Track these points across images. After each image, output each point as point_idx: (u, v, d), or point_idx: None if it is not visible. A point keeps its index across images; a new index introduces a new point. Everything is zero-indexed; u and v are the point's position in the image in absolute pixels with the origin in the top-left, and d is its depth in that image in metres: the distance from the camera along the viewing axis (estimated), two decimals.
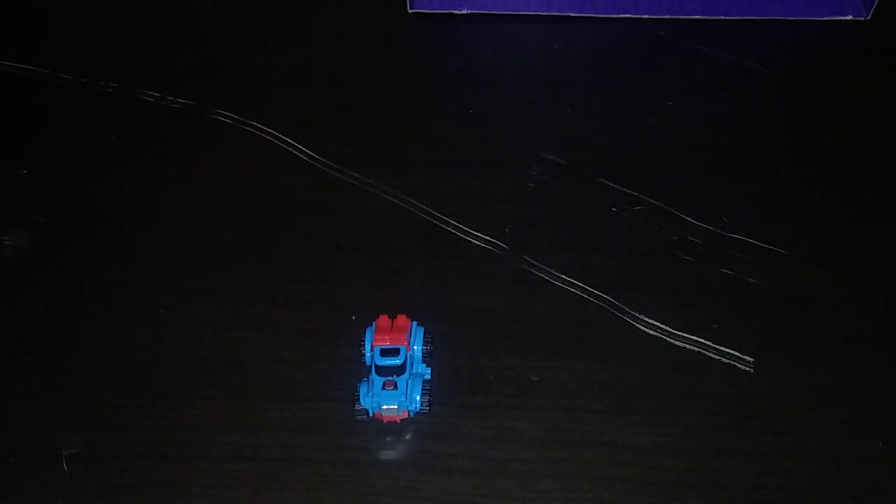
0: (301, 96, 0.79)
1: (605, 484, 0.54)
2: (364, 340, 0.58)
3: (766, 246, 0.66)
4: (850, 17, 0.84)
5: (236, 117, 0.77)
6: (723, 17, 0.84)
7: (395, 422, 0.56)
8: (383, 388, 0.55)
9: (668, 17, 0.84)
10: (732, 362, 0.59)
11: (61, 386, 0.59)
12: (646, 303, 0.62)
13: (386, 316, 0.58)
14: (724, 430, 0.56)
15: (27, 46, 0.84)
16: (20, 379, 0.60)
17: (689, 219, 0.68)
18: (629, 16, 0.85)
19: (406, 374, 0.55)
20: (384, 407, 0.54)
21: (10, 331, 0.62)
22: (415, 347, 0.58)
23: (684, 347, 0.60)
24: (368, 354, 0.57)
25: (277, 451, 0.56)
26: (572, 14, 0.85)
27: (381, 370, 0.55)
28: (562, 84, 0.80)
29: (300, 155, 0.74)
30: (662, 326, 0.61)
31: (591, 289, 0.64)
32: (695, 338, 0.61)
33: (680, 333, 0.61)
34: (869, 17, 0.83)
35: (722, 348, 0.60)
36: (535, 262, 0.65)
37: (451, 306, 0.63)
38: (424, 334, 0.58)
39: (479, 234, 0.67)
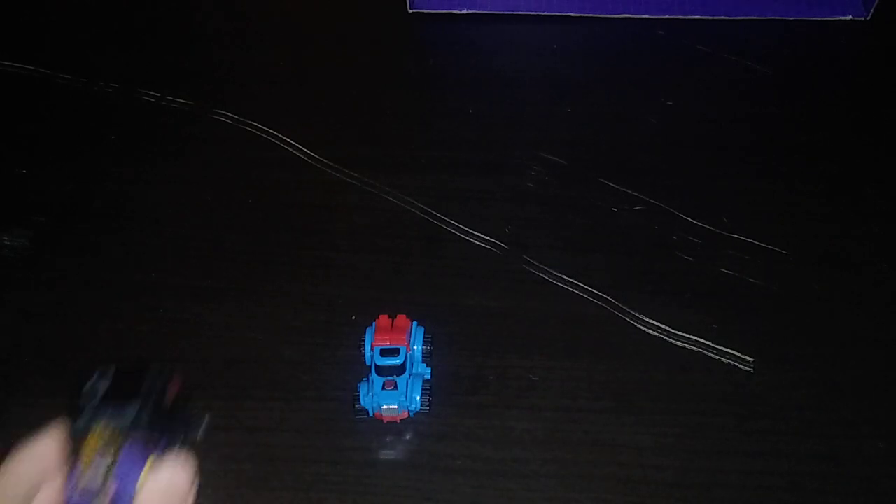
0: (301, 96, 0.79)
1: (605, 484, 0.54)
2: (364, 340, 0.58)
3: (766, 246, 0.66)
4: (850, 17, 0.84)
5: (236, 117, 0.77)
6: (723, 17, 0.84)
7: (395, 422, 0.56)
8: (383, 388, 0.55)
9: (668, 17, 0.84)
10: (732, 362, 0.59)
11: (61, 386, 0.59)
12: (646, 303, 0.62)
13: (386, 316, 0.58)
14: (724, 430, 0.56)
15: (27, 46, 0.85)
16: (20, 379, 0.60)
17: (689, 219, 0.68)
18: (629, 16, 0.85)
19: (406, 374, 0.55)
20: (384, 407, 0.54)
21: (10, 330, 0.62)
22: (415, 347, 0.58)
23: (684, 347, 0.60)
24: (368, 354, 0.57)
25: (277, 451, 0.56)
26: (572, 14, 0.85)
27: (381, 370, 0.55)
28: (562, 84, 0.80)
29: (300, 155, 0.74)
30: (662, 326, 0.61)
31: (591, 289, 0.64)
32: (695, 338, 0.61)
33: (680, 333, 0.61)
34: (869, 17, 0.83)
35: (722, 348, 0.60)
36: (535, 262, 0.65)
37: (451, 306, 0.63)
38: (424, 334, 0.58)
39: (479, 234, 0.67)
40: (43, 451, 0.36)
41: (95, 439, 0.38)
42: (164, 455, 0.36)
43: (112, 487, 0.34)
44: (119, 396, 0.38)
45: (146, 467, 0.35)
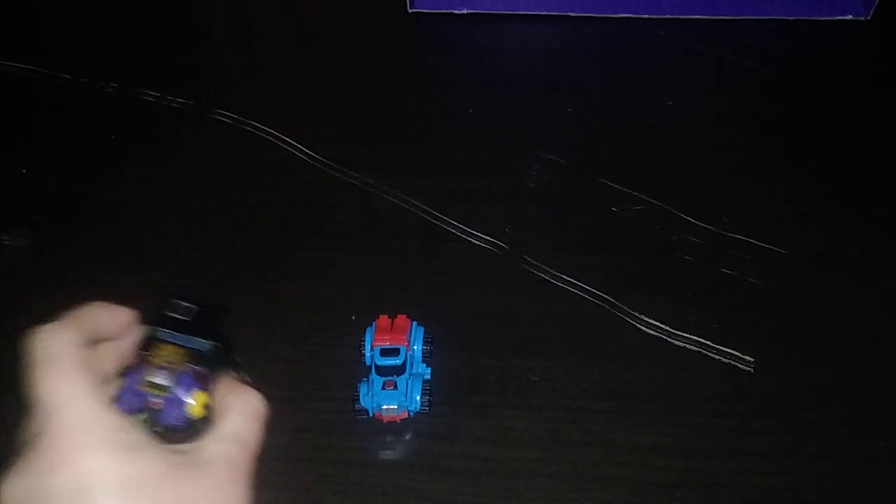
0: (301, 96, 0.79)
1: (605, 484, 0.54)
2: (364, 340, 0.58)
3: (766, 246, 0.66)
4: (850, 17, 0.84)
5: (236, 117, 0.77)
6: (723, 17, 0.84)
7: (395, 422, 0.56)
8: (383, 388, 0.55)
9: (668, 17, 0.84)
10: (732, 362, 0.59)
11: None
12: (646, 303, 0.62)
13: (386, 316, 0.58)
14: (724, 430, 0.56)
15: (27, 46, 0.84)
16: (20, 379, 0.60)
17: (689, 219, 0.68)
18: (629, 16, 0.85)
19: (406, 374, 0.55)
20: (384, 407, 0.54)
21: (10, 330, 0.62)
22: (415, 347, 0.58)
23: (684, 347, 0.60)
24: (368, 354, 0.57)
25: (277, 451, 0.55)
26: (572, 14, 0.85)
27: (381, 370, 0.55)
28: (562, 84, 0.80)
29: (300, 155, 0.74)
30: (662, 326, 0.61)
31: (591, 289, 0.64)
32: (695, 338, 0.61)
33: (680, 333, 0.61)
34: (869, 17, 0.83)
35: (722, 348, 0.60)
36: (535, 262, 0.65)
37: (451, 306, 0.63)
38: (424, 334, 0.58)
39: (479, 234, 0.67)
40: (120, 313, 0.41)
41: (165, 354, 0.42)
42: (210, 388, 0.40)
43: (163, 401, 0.39)
44: (196, 329, 0.43)
45: (196, 394, 0.39)
